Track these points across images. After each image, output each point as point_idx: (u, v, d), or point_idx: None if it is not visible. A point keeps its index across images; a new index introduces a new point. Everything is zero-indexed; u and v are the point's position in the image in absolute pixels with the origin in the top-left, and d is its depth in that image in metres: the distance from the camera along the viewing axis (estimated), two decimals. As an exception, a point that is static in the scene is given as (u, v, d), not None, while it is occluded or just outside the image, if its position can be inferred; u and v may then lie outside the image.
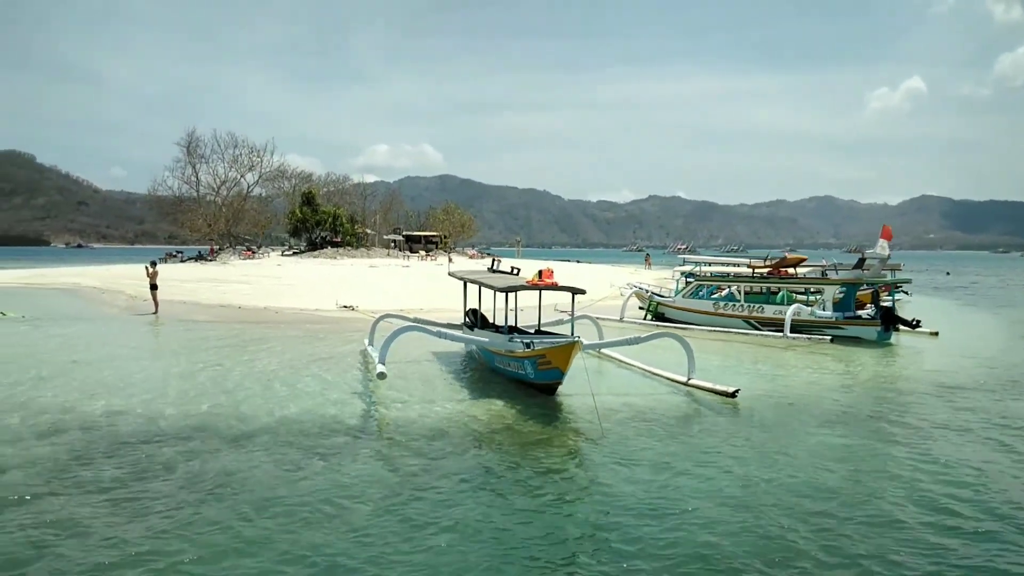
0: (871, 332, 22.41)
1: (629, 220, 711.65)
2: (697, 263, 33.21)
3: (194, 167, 74.65)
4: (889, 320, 22.43)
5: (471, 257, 79.83)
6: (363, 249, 73.46)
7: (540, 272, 14.82)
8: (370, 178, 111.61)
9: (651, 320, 27.70)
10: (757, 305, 24.99)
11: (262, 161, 77.93)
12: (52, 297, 36.97)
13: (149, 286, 29.19)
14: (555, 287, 14.80)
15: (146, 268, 30.20)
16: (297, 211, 74.26)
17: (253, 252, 69.78)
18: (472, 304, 19.50)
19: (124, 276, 49.25)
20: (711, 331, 24.17)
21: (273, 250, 77.43)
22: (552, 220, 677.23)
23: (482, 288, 17.12)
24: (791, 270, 26.05)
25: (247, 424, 11.54)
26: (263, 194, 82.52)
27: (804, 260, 27.24)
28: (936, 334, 23.76)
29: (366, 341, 19.22)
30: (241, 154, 76.25)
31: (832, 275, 25.62)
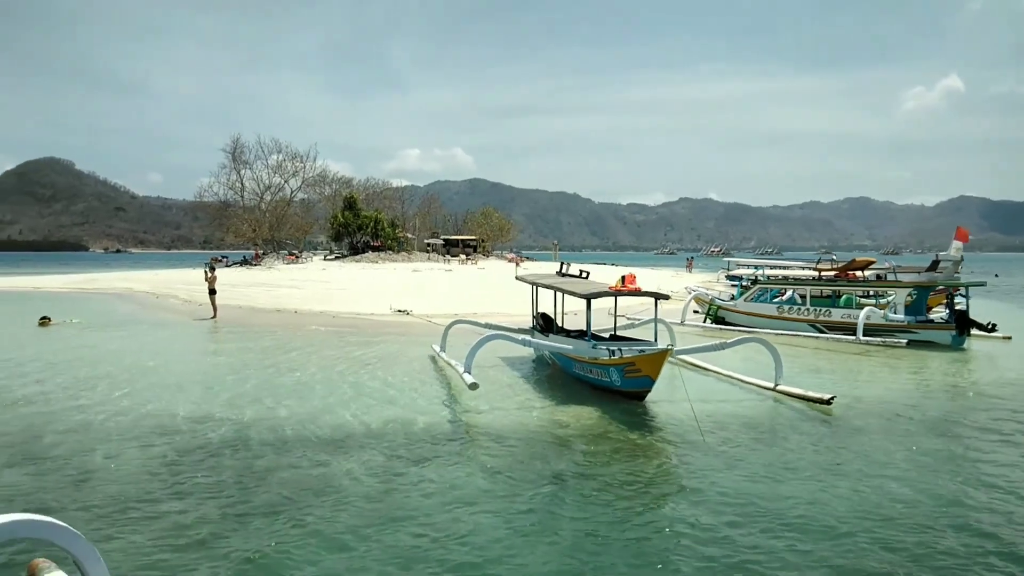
0: (945, 336, 21.87)
1: (660, 222, 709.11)
2: (756, 266, 32.73)
3: (239, 173, 75.74)
4: (964, 324, 21.86)
5: (510, 261, 79.78)
6: (404, 253, 73.86)
7: (623, 278, 14.66)
8: (402, 183, 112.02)
9: (711, 324, 27.37)
10: (824, 308, 24.54)
11: (304, 167, 78.96)
12: (108, 302, 37.59)
13: (208, 291, 29.51)
14: (639, 292, 14.63)
15: (205, 273, 30.53)
16: (339, 215, 74.86)
17: (297, 256, 70.51)
18: (540, 308, 19.43)
19: (175, 281, 50.02)
20: (776, 335, 23.74)
21: (315, 254, 78.20)
22: (582, 223, 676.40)
23: (557, 293, 16.99)
24: (859, 273, 25.54)
25: (342, 432, 11.50)
26: (306, 198, 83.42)
27: (873, 263, 26.70)
28: (1009, 338, 23.14)
29: (435, 347, 19.19)
30: (285, 159, 77.26)
31: (893, 278, 25.12)
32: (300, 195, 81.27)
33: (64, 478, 9.20)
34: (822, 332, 23.89)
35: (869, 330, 22.27)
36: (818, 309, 24.66)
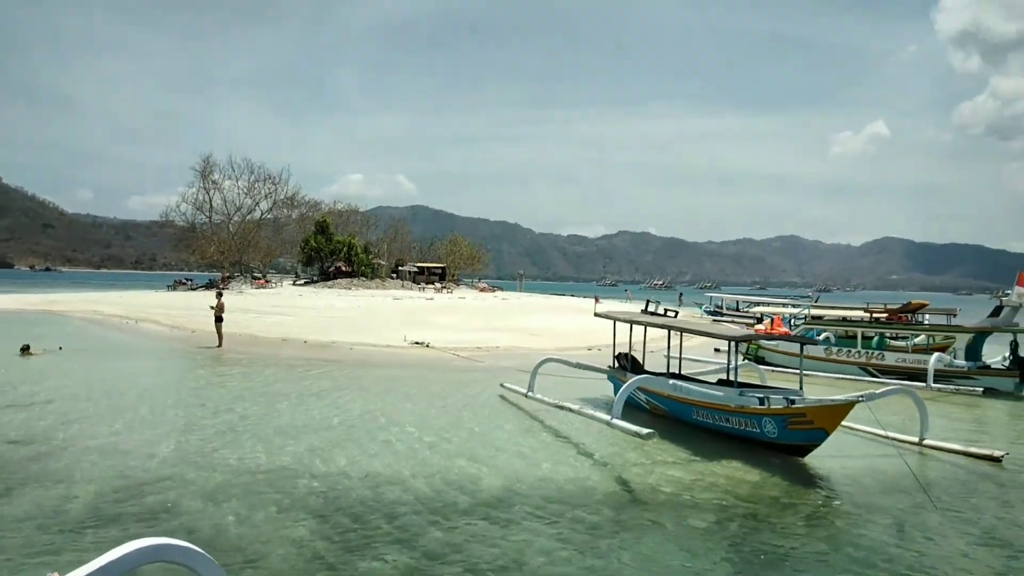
0: (1008, 383, 21.45)
1: (599, 254, 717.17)
2: (783, 303, 32.17)
3: (208, 193, 72.46)
4: (1024, 370, 21.52)
5: (482, 290, 78.26)
6: (377, 280, 71.56)
7: (772, 320, 13.65)
8: (342, 207, 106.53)
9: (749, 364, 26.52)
10: (877, 352, 23.94)
11: (276, 189, 76.29)
12: (84, 328, 34.83)
13: (215, 318, 27.34)
14: (787, 337, 13.65)
15: (216, 296, 28.35)
16: (311, 239, 72.17)
17: (266, 281, 67.51)
18: (619, 347, 18.23)
19: (146, 304, 47.08)
20: (822, 378, 22.79)
21: (285, 278, 75.19)
22: (523, 252, 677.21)
23: (672, 332, 15.88)
24: (910, 315, 25.13)
25: (489, 494, 9.99)
26: (276, 218, 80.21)
27: (926, 305, 26.31)
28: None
29: (510, 385, 17.87)
30: (257, 181, 74.49)
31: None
32: (269, 216, 78.39)
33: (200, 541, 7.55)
34: (874, 376, 23.20)
35: (921, 376, 21.64)
36: (870, 352, 24.04)
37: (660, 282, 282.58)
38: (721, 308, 58.40)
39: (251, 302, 48.27)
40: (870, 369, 23.63)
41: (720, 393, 12.90)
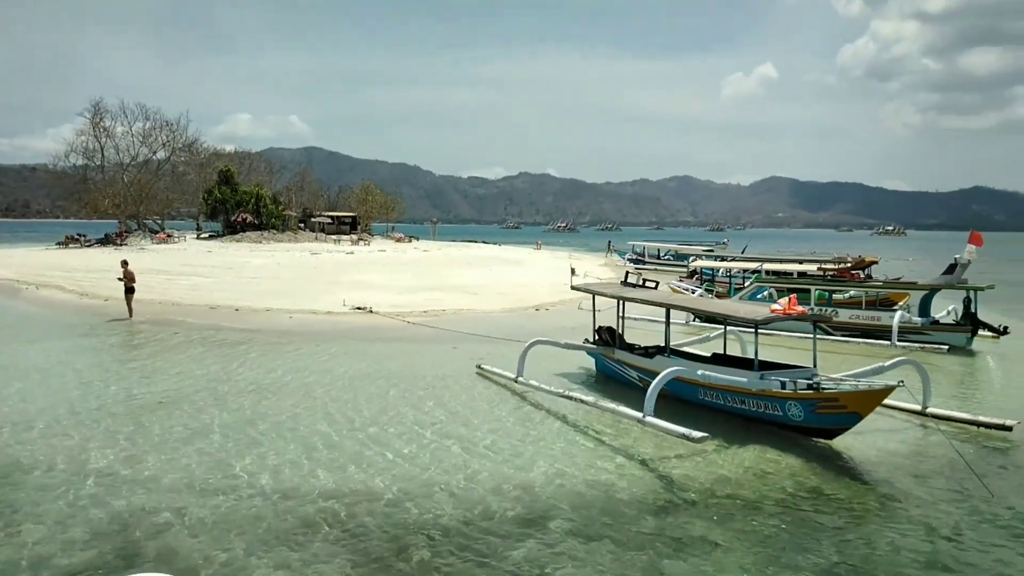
0: (961, 338, 22.01)
1: (500, 196, 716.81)
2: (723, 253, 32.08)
3: (99, 140, 66.40)
4: (976, 325, 22.13)
5: (398, 240, 76.05)
6: (289, 233, 68.05)
7: (789, 299, 13.11)
8: (230, 148, 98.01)
9: (697, 322, 26.36)
10: (831, 309, 24.15)
11: (175, 136, 70.90)
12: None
13: (125, 288, 24.83)
14: (804, 317, 13.21)
15: (122, 264, 25.76)
16: (216, 191, 67.60)
17: (170, 235, 63.03)
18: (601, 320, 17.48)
19: (40, 265, 43.09)
20: (772, 336, 22.54)
21: (187, 232, 70.53)
22: (423, 195, 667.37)
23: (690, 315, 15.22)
24: (860, 272, 25.44)
25: (516, 507, 9.15)
26: (176, 168, 74.61)
27: (876, 262, 26.70)
28: (998, 337, 23.20)
29: (495, 368, 16.58)
30: (154, 128, 68.98)
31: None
32: (167, 166, 72.75)
33: None
34: (829, 333, 23.36)
35: (878, 333, 21.98)
36: (824, 309, 24.22)
37: (563, 224, 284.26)
38: (643, 256, 58.80)
39: (158, 261, 44.95)
40: (823, 326, 23.76)
41: (744, 379, 12.31)
